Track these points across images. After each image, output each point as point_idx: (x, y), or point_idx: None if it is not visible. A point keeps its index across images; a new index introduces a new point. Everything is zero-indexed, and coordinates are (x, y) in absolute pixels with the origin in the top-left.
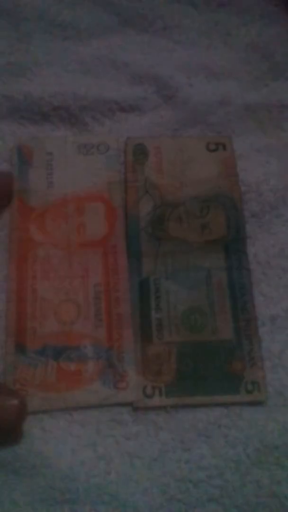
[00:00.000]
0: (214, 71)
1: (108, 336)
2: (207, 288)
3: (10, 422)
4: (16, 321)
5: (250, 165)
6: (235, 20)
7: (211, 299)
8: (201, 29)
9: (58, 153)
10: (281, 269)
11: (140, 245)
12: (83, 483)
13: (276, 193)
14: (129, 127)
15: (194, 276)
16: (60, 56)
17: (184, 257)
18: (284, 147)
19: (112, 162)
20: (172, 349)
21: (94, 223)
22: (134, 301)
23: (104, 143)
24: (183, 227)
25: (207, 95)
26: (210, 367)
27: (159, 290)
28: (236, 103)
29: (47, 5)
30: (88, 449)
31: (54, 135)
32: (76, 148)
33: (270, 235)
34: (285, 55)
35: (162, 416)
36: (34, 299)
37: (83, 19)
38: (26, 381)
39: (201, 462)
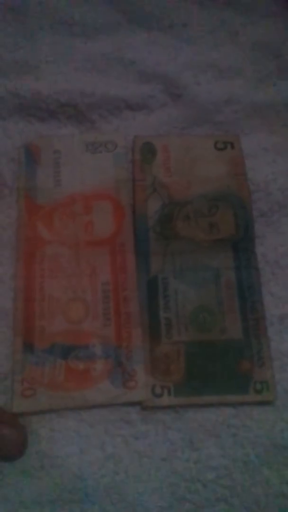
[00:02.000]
0: (221, 70)
1: (117, 335)
2: (216, 288)
3: (11, 452)
4: (24, 320)
5: (258, 164)
6: (242, 18)
7: (220, 298)
8: (208, 27)
9: (66, 152)
10: None
11: (148, 244)
12: (92, 483)
13: (284, 192)
14: (136, 126)
15: (202, 275)
16: (67, 53)
17: (192, 256)
18: None
19: (119, 160)
20: (180, 349)
21: (101, 222)
22: (142, 300)
23: (111, 141)
24: (191, 226)
25: (215, 94)
26: (219, 367)
27: (167, 289)
28: (244, 102)
29: (54, 2)
30: (97, 448)
31: (61, 133)
32: (84, 146)
33: (278, 234)
34: None
35: (170, 416)
36: (42, 297)
37: (90, 17)
38: (34, 380)
39: (210, 462)
